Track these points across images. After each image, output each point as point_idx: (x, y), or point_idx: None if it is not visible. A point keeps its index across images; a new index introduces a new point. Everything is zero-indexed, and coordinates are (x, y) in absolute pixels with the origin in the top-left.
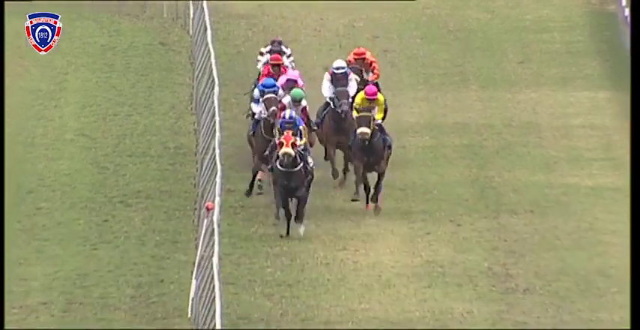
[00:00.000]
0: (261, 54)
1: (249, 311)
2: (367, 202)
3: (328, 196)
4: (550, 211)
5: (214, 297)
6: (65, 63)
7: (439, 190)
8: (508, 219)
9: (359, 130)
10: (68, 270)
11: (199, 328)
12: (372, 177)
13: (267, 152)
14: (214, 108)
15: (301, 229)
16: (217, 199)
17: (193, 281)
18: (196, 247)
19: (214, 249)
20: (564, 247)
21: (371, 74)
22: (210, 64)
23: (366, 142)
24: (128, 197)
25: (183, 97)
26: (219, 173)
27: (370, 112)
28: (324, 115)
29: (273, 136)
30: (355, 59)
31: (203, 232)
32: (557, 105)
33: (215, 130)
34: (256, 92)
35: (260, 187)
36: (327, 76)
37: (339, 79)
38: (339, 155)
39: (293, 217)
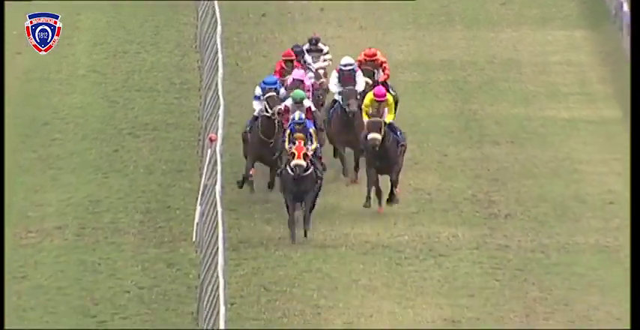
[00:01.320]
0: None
1: (250, 235)
2: (380, 205)
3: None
4: (529, 141)
5: (217, 222)
6: (78, 4)
7: (426, 122)
8: (490, 149)
9: (370, 136)
10: (81, 197)
11: (203, 251)
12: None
13: (276, 155)
14: (217, 46)
15: (308, 236)
16: (220, 131)
17: (197, 207)
18: (200, 176)
19: (217, 178)
20: (542, 175)
21: (381, 74)
22: (213, 5)
23: (377, 148)
24: (136, 129)
25: (187, 36)
26: (221, 107)
27: (380, 116)
28: (332, 113)
29: (270, 138)
30: (366, 60)
31: (206, 161)
32: (537, 43)
33: (217, 67)
34: (258, 89)
35: (251, 184)
36: (334, 73)
37: (346, 76)
38: (349, 153)
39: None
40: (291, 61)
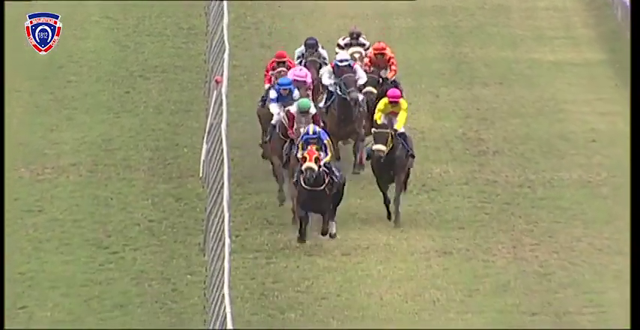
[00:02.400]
0: (339, 46)
1: (253, 171)
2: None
3: None
4: (516, 83)
5: (222, 159)
6: None
7: (419, 65)
8: (480, 90)
9: (374, 147)
10: (94, 135)
11: (210, 186)
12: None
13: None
14: None
15: (334, 230)
16: (225, 73)
17: (204, 145)
18: (207, 116)
19: (222, 117)
20: (529, 114)
21: (388, 71)
22: None
23: (381, 160)
24: (146, 72)
25: None
26: (226, 51)
27: (389, 128)
28: (329, 105)
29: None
30: (375, 54)
31: (212, 102)
32: None
33: (223, 13)
34: (273, 93)
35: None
36: (327, 68)
37: (342, 72)
38: (348, 147)
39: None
40: (283, 62)
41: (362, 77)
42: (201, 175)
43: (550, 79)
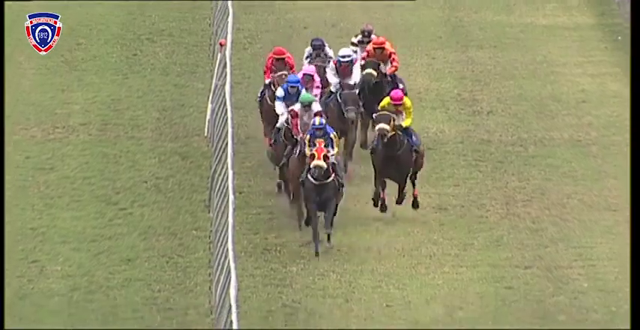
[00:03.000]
0: (353, 44)
1: (256, 131)
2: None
3: None
4: (510, 46)
5: (226, 119)
6: None
7: (417, 28)
8: (475, 53)
9: (378, 127)
10: (104, 96)
11: (214, 145)
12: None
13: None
14: None
15: (332, 241)
16: (229, 36)
17: (209, 105)
18: (211, 77)
19: (226, 78)
20: (522, 76)
21: (389, 66)
22: None
23: (385, 139)
24: (154, 35)
25: None
26: (230, 15)
27: (395, 114)
28: (328, 104)
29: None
30: (374, 49)
31: (217, 64)
32: None
33: None
34: (280, 91)
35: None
36: (331, 65)
37: (343, 68)
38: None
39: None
40: (282, 59)
41: (356, 75)
42: (206, 134)
43: (542, 42)
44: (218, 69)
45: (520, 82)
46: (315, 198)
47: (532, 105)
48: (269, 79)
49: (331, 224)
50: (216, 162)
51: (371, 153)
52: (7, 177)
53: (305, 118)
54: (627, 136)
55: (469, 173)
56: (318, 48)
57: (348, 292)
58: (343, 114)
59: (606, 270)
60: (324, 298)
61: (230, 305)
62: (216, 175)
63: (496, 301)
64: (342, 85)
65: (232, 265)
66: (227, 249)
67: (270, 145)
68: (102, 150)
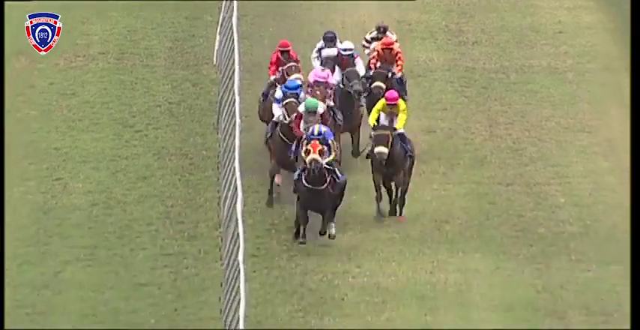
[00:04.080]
0: (367, 41)
1: (261, 59)
2: (399, 215)
3: None
4: None
5: (233, 49)
6: None
7: None
8: None
9: (376, 150)
10: (120, 27)
11: (222, 72)
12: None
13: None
14: None
15: (333, 231)
16: None
17: (217, 36)
18: (219, 10)
19: (233, 11)
20: (504, 9)
21: (395, 67)
22: None
23: (383, 163)
24: None
25: None
26: None
27: (392, 114)
28: (334, 99)
29: (292, 140)
30: (383, 49)
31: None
32: None
33: None
34: (278, 93)
35: (276, 193)
36: (337, 70)
37: (344, 61)
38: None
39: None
40: (287, 51)
41: (361, 70)
42: (214, 62)
43: None
44: (226, 2)
45: (502, 15)
46: (307, 203)
47: (513, 35)
48: (274, 76)
49: (328, 223)
50: (224, 88)
51: (367, 157)
52: (34, 102)
53: (309, 123)
54: (600, 63)
55: (455, 98)
56: (330, 40)
57: (344, 209)
58: (352, 105)
59: (581, 186)
60: None
61: (237, 219)
62: (224, 100)
63: (480, 215)
64: (349, 80)
65: (239, 182)
66: (234, 168)
67: (266, 141)
68: (119, 77)
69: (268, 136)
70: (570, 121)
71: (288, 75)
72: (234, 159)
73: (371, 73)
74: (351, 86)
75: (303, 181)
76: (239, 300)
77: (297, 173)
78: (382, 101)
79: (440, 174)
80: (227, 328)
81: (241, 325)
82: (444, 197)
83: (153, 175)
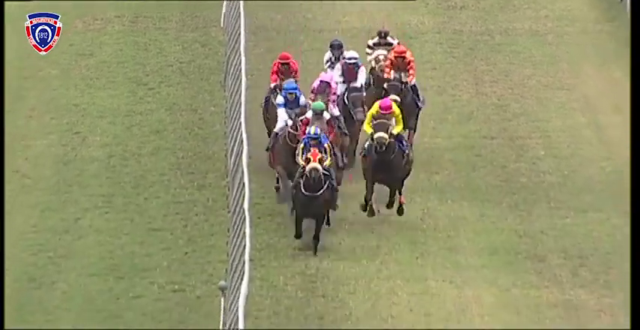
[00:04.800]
0: (369, 47)
1: (266, 22)
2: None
3: None
4: None
5: (239, 12)
6: None
7: None
8: None
9: (376, 135)
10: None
11: (229, 34)
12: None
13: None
14: None
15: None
16: None
17: (224, 1)
18: None
19: None
20: None
21: (408, 75)
22: None
23: (382, 147)
24: None
25: None
26: None
27: (388, 120)
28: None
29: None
30: (396, 57)
31: None
32: None
33: None
34: (280, 98)
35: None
36: (338, 66)
37: (349, 70)
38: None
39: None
40: (287, 63)
41: (361, 78)
42: (222, 25)
43: None
44: None
45: None
46: (304, 209)
47: (498, 0)
48: (274, 83)
49: (317, 236)
50: (230, 49)
51: (362, 157)
52: (55, 62)
53: (316, 123)
54: (578, 26)
55: (444, 59)
56: (337, 48)
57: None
58: (351, 116)
59: (559, 140)
60: None
61: (242, 170)
62: (231, 60)
63: (467, 167)
64: (349, 89)
65: (244, 135)
66: (240, 122)
67: (267, 149)
68: (133, 39)
69: (270, 145)
70: (550, 79)
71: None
72: (240, 114)
73: (385, 85)
74: (355, 114)
75: (302, 189)
76: (244, 244)
77: (295, 182)
78: (375, 108)
79: (430, 128)
80: (232, 270)
81: (247, 266)
82: (434, 150)
83: (165, 129)
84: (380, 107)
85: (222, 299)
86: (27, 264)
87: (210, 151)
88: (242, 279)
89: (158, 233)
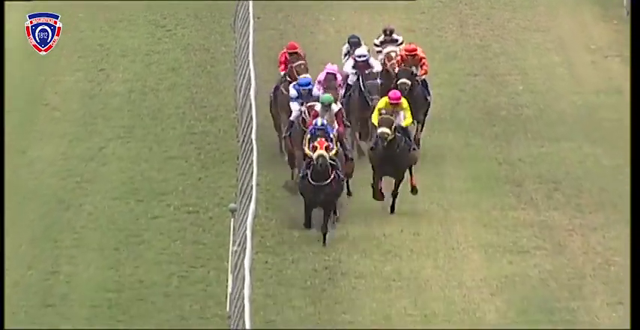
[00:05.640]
0: (376, 45)
1: None
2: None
3: None
4: None
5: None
6: None
7: None
8: None
9: (380, 130)
10: None
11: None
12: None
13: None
14: None
15: (332, 232)
16: None
17: None
18: None
19: None
20: None
21: (420, 70)
22: None
23: (385, 143)
24: None
25: None
26: None
27: (392, 115)
28: (349, 94)
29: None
30: (407, 55)
31: None
32: None
33: None
34: (292, 91)
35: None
36: (350, 61)
37: (360, 67)
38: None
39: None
40: (296, 53)
41: (376, 67)
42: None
43: None
44: None
45: None
46: (312, 198)
47: None
48: (284, 71)
49: (326, 226)
50: None
51: (370, 150)
52: (82, 6)
53: (324, 115)
54: None
55: (432, 3)
56: (355, 45)
57: None
58: (367, 103)
59: (536, 76)
60: None
61: (250, 104)
62: (239, 4)
63: (452, 101)
64: (364, 76)
65: (252, 72)
66: (248, 60)
67: (285, 137)
68: None
69: (287, 133)
70: (528, 22)
71: (298, 73)
72: (247, 54)
73: (396, 70)
74: (372, 100)
75: (309, 179)
76: (252, 171)
77: (302, 172)
78: (385, 100)
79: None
80: (241, 193)
81: (254, 191)
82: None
83: (180, 67)
84: (389, 98)
85: (232, 220)
86: (56, 188)
87: (221, 87)
88: (250, 201)
89: (174, 161)
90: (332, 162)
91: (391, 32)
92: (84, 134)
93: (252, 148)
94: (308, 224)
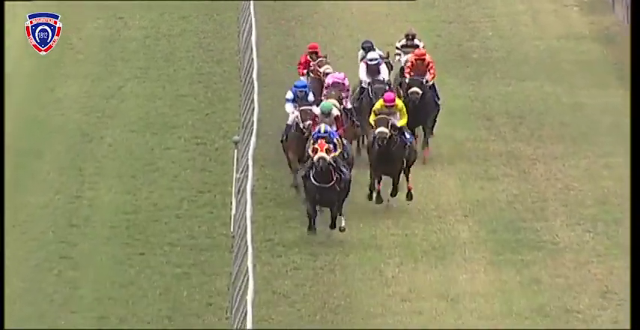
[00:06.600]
0: (398, 48)
1: None
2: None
3: None
4: None
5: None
6: None
7: None
8: None
9: (377, 130)
10: None
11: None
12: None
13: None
14: None
15: (343, 223)
16: None
17: None
18: None
19: None
20: None
21: (428, 75)
22: None
23: (384, 142)
24: None
25: None
26: None
27: (389, 115)
28: (361, 98)
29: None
30: (416, 60)
31: None
32: None
33: None
34: (289, 93)
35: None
36: (362, 66)
37: (372, 69)
38: None
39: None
40: (316, 52)
41: (384, 73)
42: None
43: None
44: None
45: None
46: (316, 198)
47: None
48: (306, 69)
49: (334, 224)
50: None
51: (367, 151)
52: None
53: (325, 121)
54: None
55: None
56: (368, 50)
57: None
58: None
59: (503, 23)
60: None
61: (252, 47)
62: None
63: (429, 44)
64: (372, 81)
65: (253, 20)
66: (250, 10)
67: (281, 141)
68: None
69: (283, 137)
70: None
71: (320, 67)
72: (249, 4)
73: (406, 80)
74: None
75: (312, 179)
76: (253, 107)
77: (305, 171)
78: (380, 102)
79: (401, 14)
80: (244, 127)
81: (255, 125)
82: (403, 30)
83: (190, 15)
84: (384, 100)
85: (236, 151)
86: (81, 122)
87: (225, 33)
88: (251, 134)
89: (184, 98)
90: (333, 163)
91: (413, 37)
92: (105, 74)
93: (253, 87)
94: (310, 228)
